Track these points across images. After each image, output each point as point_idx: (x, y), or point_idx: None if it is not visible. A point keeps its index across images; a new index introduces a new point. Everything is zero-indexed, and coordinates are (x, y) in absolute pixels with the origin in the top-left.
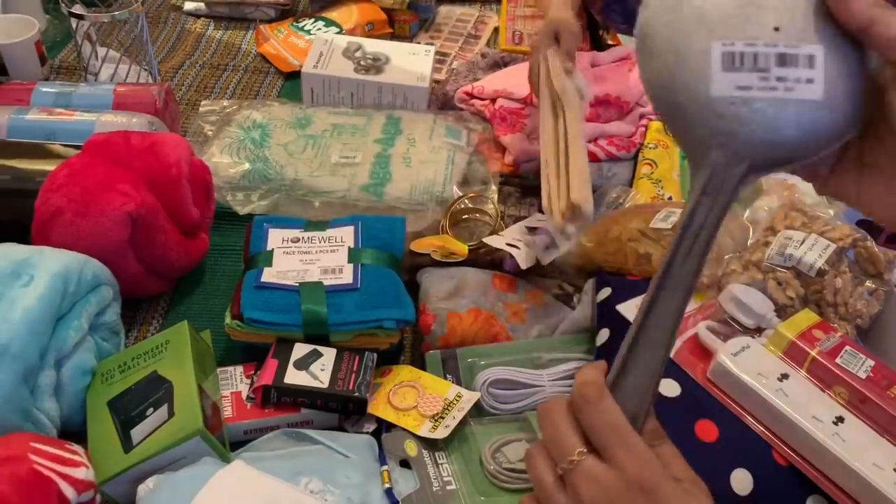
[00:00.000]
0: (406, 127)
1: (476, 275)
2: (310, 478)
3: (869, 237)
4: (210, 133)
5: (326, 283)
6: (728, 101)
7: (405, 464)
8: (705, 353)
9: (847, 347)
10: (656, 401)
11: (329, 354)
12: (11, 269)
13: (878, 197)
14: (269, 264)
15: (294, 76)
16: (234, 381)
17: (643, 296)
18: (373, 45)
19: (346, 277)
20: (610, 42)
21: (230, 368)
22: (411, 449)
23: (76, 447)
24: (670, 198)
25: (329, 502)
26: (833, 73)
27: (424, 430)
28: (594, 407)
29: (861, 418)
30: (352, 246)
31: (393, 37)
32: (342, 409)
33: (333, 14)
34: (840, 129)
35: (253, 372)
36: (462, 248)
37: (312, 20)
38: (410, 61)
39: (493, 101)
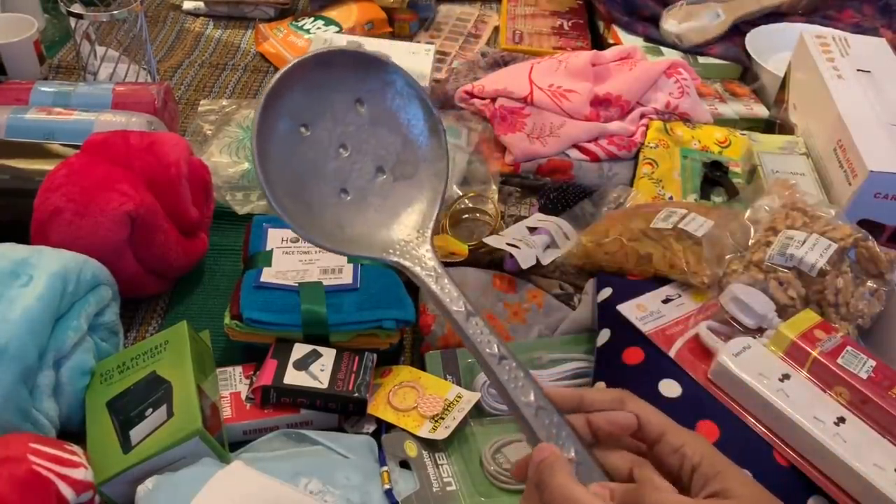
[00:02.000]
0: None
1: (476, 275)
2: (309, 478)
3: (870, 237)
4: (209, 132)
5: (326, 283)
6: None
7: (405, 464)
8: (706, 354)
9: (848, 348)
10: (657, 401)
11: (329, 355)
12: (10, 268)
13: None
14: (269, 264)
15: None
16: (234, 382)
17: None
18: (372, 45)
19: (346, 277)
20: (611, 41)
21: (229, 369)
22: (411, 450)
23: (75, 448)
24: (671, 197)
25: (328, 503)
26: None
27: (424, 431)
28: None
29: (862, 419)
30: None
31: (393, 36)
32: (342, 410)
33: (333, 13)
34: None
35: (252, 372)
36: (462, 248)
37: (312, 19)
38: (410, 60)
39: (494, 100)
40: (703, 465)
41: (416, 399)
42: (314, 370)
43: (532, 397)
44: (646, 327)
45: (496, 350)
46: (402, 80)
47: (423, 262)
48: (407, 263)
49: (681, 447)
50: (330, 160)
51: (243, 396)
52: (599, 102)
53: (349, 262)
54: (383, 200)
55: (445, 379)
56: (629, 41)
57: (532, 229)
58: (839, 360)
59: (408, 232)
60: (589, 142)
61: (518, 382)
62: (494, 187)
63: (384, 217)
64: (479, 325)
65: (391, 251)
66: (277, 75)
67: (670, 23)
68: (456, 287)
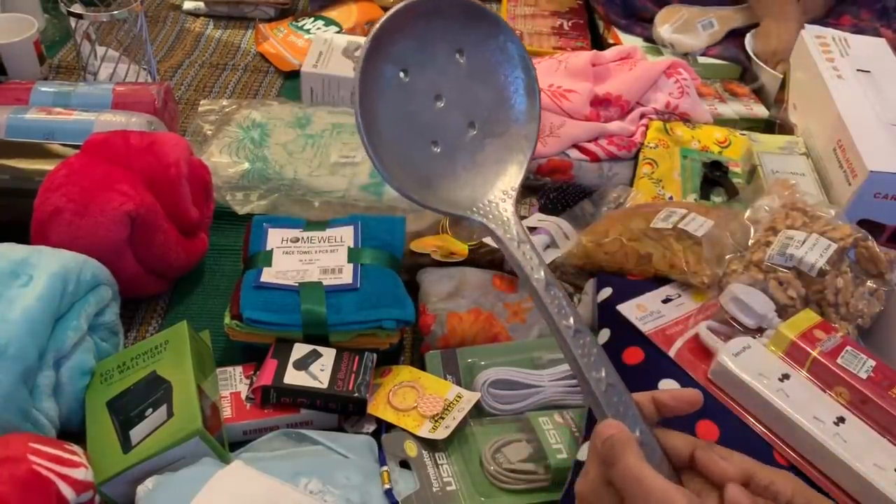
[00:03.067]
0: None
1: (476, 275)
2: (309, 478)
3: (870, 237)
4: (209, 132)
5: (326, 283)
6: None
7: (405, 464)
8: (706, 354)
9: (848, 348)
10: None
11: (329, 355)
12: (10, 268)
13: None
14: (269, 264)
15: (293, 75)
16: (234, 382)
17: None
18: None
19: (346, 277)
20: (611, 41)
21: (229, 369)
22: (411, 449)
23: (75, 447)
24: (671, 197)
25: (328, 503)
26: None
27: (424, 431)
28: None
29: (862, 419)
30: (351, 246)
31: None
32: (342, 410)
33: (333, 13)
34: None
35: (252, 372)
36: (462, 248)
37: (312, 19)
38: None
39: None
40: (797, 499)
41: (416, 399)
42: (314, 370)
43: (603, 373)
44: (646, 327)
45: (572, 323)
46: (506, 36)
47: (508, 225)
48: (492, 225)
49: (770, 484)
50: (425, 109)
51: (243, 396)
52: (599, 102)
53: (349, 261)
54: (471, 157)
55: (445, 379)
56: (629, 41)
57: (532, 229)
58: (839, 360)
59: (494, 193)
60: (589, 142)
61: (591, 357)
62: None
63: (471, 175)
64: (557, 297)
65: (475, 210)
66: (387, 14)
67: (664, 28)
68: (538, 255)
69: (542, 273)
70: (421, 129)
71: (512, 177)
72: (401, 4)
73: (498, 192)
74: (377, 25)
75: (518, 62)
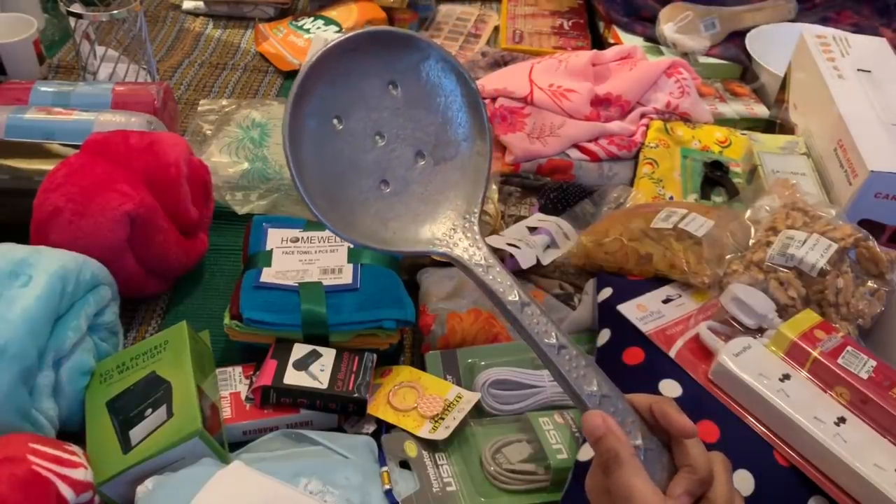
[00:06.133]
0: None
1: None
2: (309, 479)
3: (871, 237)
4: (209, 132)
5: (326, 283)
6: None
7: (405, 465)
8: (706, 354)
9: (849, 348)
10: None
11: (328, 355)
12: (10, 268)
13: None
14: (269, 264)
15: (293, 75)
16: (233, 382)
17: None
18: None
19: (346, 277)
20: (611, 41)
21: (229, 369)
22: (411, 450)
23: (75, 448)
24: (671, 197)
25: (328, 503)
26: None
27: (424, 431)
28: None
29: (863, 419)
30: (351, 246)
31: None
32: (342, 410)
33: (333, 13)
34: None
35: (252, 372)
36: None
37: (311, 19)
38: None
39: (494, 100)
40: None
41: (416, 399)
42: (314, 370)
43: (595, 386)
44: (646, 327)
45: (554, 340)
46: (437, 55)
47: (472, 251)
48: (455, 254)
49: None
50: (367, 151)
51: (243, 396)
52: (599, 102)
53: (349, 262)
54: (425, 188)
55: (445, 379)
56: (629, 40)
57: (532, 229)
58: (839, 360)
59: (454, 220)
60: (589, 141)
61: (580, 371)
62: (494, 187)
63: (428, 206)
64: (534, 315)
65: (438, 242)
66: (303, 71)
67: (668, 26)
68: (509, 275)
69: (516, 294)
70: (367, 171)
71: (472, 199)
72: (317, 54)
73: (458, 219)
74: (297, 80)
75: (455, 79)
